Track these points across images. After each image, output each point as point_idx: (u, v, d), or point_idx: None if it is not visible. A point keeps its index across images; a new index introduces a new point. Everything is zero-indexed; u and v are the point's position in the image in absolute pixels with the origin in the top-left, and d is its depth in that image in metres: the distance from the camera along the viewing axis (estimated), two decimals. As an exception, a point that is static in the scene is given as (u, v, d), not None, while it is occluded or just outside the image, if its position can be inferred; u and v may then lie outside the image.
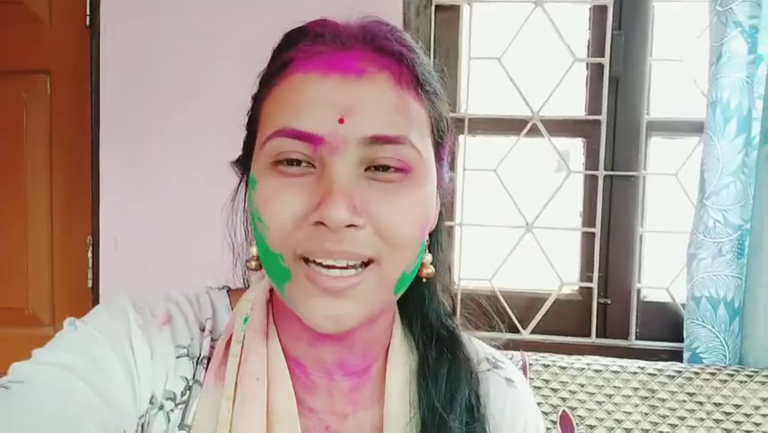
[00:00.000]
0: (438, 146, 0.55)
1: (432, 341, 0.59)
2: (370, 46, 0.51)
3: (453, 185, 0.62)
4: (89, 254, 1.59)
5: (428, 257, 0.56)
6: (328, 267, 0.48)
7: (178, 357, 0.55)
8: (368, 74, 0.49)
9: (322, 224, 0.47)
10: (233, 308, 0.59)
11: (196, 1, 1.50)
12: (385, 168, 0.49)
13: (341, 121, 0.48)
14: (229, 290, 0.62)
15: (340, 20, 0.53)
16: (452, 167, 1.49)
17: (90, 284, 1.60)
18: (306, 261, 0.49)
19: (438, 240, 0.60)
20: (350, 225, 0.47)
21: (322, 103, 0.48)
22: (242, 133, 0.58)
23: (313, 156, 0.49)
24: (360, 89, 0.49)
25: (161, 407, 0.54)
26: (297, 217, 0.48)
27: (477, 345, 0.64)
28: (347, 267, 0.48)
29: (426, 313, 0.60)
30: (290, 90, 0.50)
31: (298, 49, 0.52)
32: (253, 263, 0.55)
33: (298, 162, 0.49)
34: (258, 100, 0.55)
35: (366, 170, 0.49)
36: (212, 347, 0.57)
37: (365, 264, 0.49)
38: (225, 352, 0.56)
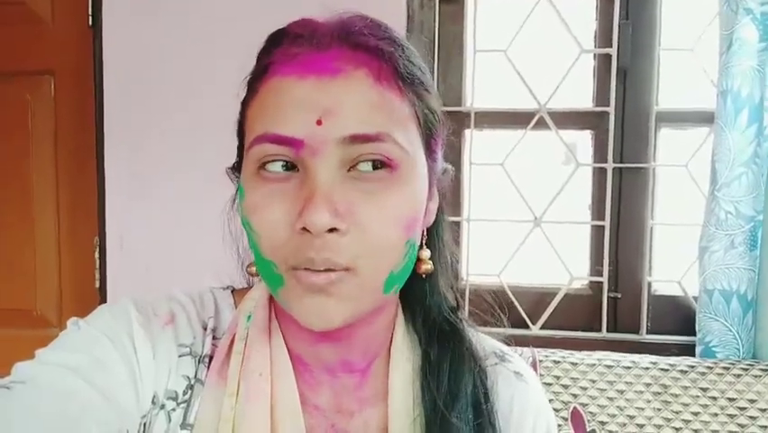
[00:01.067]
0: (429, 140, 0.54)
1: (434, 336, 0.59)
2: (347, 44, 0.50)
3: (451, 177, 0.61)
4: (96, 255, 1.59)
5: (426, 253, 0.56)
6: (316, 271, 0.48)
7: (180, 356, 0.55)
8: (344, 73, 0.49)
9: (307, 230, 0.47)
10: (237, 308, 0.59)
11: (198, 0, 1.49)
12: (369, 167, 0.49)
13: (319, 122, 0.47)
14: (233, 290, 0.62)
15: (320, 18, 0.53)
16: (458, 164, 1.48)
17: (98, 285, 1.60)
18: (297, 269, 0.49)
19: (438, 234, 0.59)
20: (333, 230, 0.47)
21: (299, 106, 0.48)
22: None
23: (295, 160, 0.49)
24: (337, 89, 0.48)
25: (162, 406, 0.53)
26: (285, 226, 0.48)
27: (483, 339, 0.63)
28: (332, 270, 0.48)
29: (428, 307, 0.59)
30: (269, 95, 0.50)
31: (276, 52, 0.51)
32: (254, 269, 0.55)
33: (283, 167, 0.49)
34: (243, 106, 0.54)
35: (349, 170, 0.49)
36: (214, 346, 0.57)
37: (344, 270, 0.48)
38: (229, 350, 0.55)
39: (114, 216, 1.56)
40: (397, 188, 0.49)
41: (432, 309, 0.59)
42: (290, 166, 0.49)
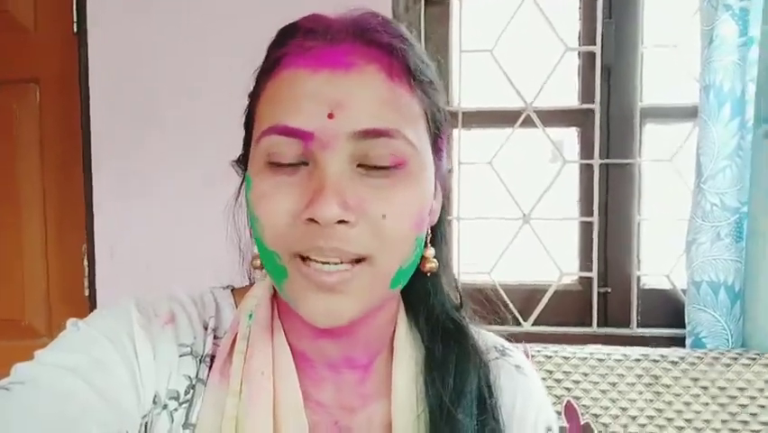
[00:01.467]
0: (435, 138, 0.54)
1: (438, 333, 0.59)
2: (360, 39, 0.50)
3: (452, 176, 0.61)
4: (85, 263, 1.58)
5: (431, 251, 0.56)
6: (323, 263, 0.48)
7: (181, 356, 0.55)
8: (357, 67, 0.49)
9: (314, 221, 0.47)
10: (237, 307, 0.59)
11: (184, 4, 1.49)
12: (378, 166, 0.49)
13: (330, 116, 0.47)
14: (233, 289, 0.62)
15: (332, 14, 0.53)
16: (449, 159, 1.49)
17: (87, 293, 1.58)
18: (302, 258, 0.49)
19: (442, 233, 0.59)
20: (341, 222, 0.47)
21: (311, 98, 0.48)
22: (234, 137, 0.58)
23: (304, 152, 0.49)
24: (349, 83, 0.48)
25: (165, 406, 0.53)
26: (291, 216, 0.48)
27: (484, 335, 0.63)
28: (341, 262, 0.48)
29: (432, 306, 0.60)
30: (281, 87, 0.50)
31: (289, 45, 0.51)
32: (258, 262, 0.55)
33: (292, 163, 0.49)
34: (253, 98, 0.54)
35: (359, 165, 0.49)
36: (215, 345, 0.57)
37: (357, 261, 0.49)
38: (231, 349, 0.55)
39: (102, 223, 1.54)
40: (407, 184, 0.50)
41: (435, 308, 0.59)
42: (299, 160, 0.49)
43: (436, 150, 0.55)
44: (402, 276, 0.52)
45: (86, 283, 1.58)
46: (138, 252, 1.52)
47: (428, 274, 0.56)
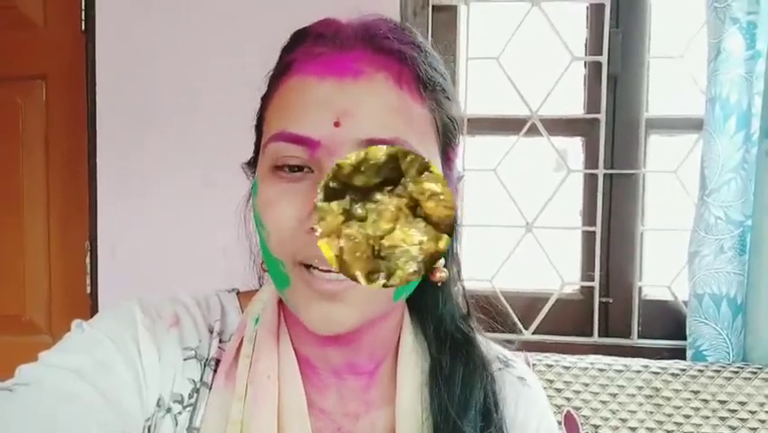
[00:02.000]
0: (446, 148, 0.54)
1: (446, 344, 0.58)
2: (370, 46, 0.50)
3: (462, 183, 0.60)
4: (87, 260, 1.58)
5: (440, 260, 0.55)
6: (325, 271, 0.48)
7: (185, 359, 0.55)
8: (365, 75, 0.49)
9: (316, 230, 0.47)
10: (242, 310, 0.59)
11: (192, 3, 1.49)
12: None
13: (336, 124, 0.47)
14: (238, 293, 0.62)
15: (344, 19, 0.53)
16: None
17: (89, 290, 1.58)
18: (306, 266, 0.49)
19: (452, 243, 0.59)
20: None
21: (318, 106, 0.48)
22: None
23: (311, 160, 0.49)
24: (357, 91, 0.48)
25: (168, 409, 0.53)
26: (295, 224, 0.48)
27: (487, 344, 0.63)
28: None
29: (441, 316, 0.59)
30: (289, 93, 0.50)
31: (298, 50, 0.51)
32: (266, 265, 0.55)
33: (299, 168, 0.49)
34: (263, 101, 0.54)
35: None
36: (220, 349, 0.56)
37: None
38: (236, 353, 0.55)
39: (105, 220, 1.54)
40: None
41: (445, 318, 0.59)
42: (305, 167, 0.49)
43: (446, 159, 0.54)
44: (406, 286, 0.51)
45: (87, 281, 1.58)
46: (138, 251, 1.52)
47: (438, 284, 0.56)
